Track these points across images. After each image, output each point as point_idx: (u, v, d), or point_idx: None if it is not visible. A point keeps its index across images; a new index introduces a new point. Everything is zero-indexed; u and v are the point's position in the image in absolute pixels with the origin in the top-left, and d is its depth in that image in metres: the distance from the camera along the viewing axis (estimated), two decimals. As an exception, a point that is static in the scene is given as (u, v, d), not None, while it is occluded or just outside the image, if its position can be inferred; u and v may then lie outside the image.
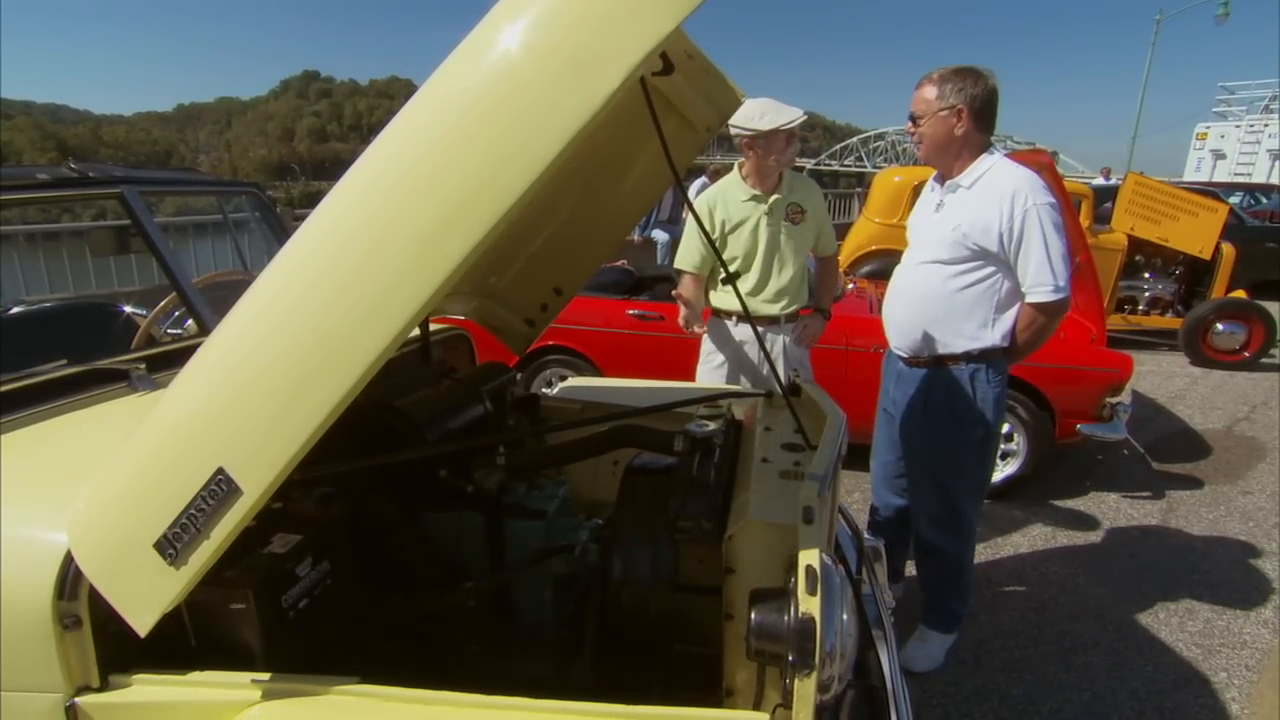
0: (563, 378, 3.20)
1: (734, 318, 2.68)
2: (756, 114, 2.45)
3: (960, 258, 2.08)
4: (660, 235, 8.77)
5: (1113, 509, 3.63)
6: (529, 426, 1.78)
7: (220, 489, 0.83)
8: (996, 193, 2.00)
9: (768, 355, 1.54)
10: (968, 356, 2.14)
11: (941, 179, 2.19)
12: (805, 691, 0.89)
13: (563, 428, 1.64)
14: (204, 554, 0.86)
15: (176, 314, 2.02)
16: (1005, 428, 3.56)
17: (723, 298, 2.70)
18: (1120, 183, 7.99)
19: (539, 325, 2.01)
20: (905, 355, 2.26)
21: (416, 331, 1.84)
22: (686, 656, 1.24)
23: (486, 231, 0.76)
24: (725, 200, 2.62)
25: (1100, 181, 14.43)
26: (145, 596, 0.89)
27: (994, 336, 2.11)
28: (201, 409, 0.89)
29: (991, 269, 2.07)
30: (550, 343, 4.03)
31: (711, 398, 1.56)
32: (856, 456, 2.89)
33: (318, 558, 1.16)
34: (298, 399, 0.82)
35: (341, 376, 0.81)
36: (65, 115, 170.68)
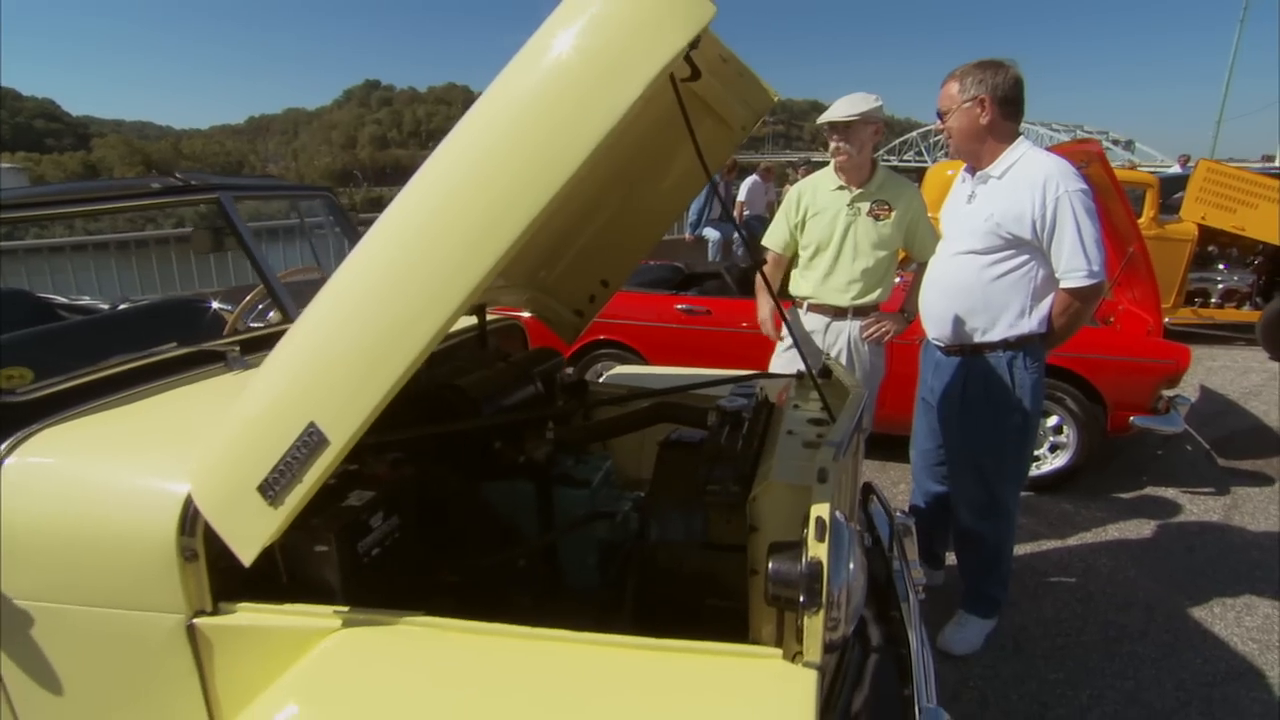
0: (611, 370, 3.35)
1: (805, 304, 2.80)
2: (833, 109, 2.62)
3: (994, 247, 2.12)
4: (711, 233, 8.83)
5: (1170, 504, 3.55)
6: (576, 405, 1.91)
7: (311, 439, 0.98)
8: (1028, 181, 2.03)
9: (796, 339, 1.64)
10: (1005, 344, 2.17)
11: (972, 170, 2.23)
12: (814, 628, 1.00)
13: (607, 403, 1.77)
14: (297, 496, 1.02)
15: (260, 307, 2.24)
16: (1054, 419, 3.54)
17: (797, 284, 2.83)
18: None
19: (587, 315, 2.15)
20: (942, 344, 2.30)
21: (474, 320, 2.01)
22: (716, 611, 1.35)
23: (528, 225, 0.89)
24: (814, 188, 2.77)
25: (1175, 170, 13.79)
26: (250, 532, 1.06)
27: (1031, 324, 2.14)
28: (296, 375, 1.05)
29: (1026, 257, 2.10)
30: (600, 336, 4.18)
31: (744, 378, 1.67)
32: (900, 448, 2.95)
33: (388, 513, 1.32)
34: (374, 365, 0.97)
35: (410, 347, 0.95)
36: (150, 131, 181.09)
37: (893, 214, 2.66)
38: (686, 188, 2.03)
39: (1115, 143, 50.85)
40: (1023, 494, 3.51)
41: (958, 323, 2.22)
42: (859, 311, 2.72)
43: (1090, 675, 2.35)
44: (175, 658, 1.19)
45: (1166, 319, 6.75)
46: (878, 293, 2.72)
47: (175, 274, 6.63)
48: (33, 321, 2.43)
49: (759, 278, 2.88)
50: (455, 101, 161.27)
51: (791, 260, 2.86)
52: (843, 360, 2.68)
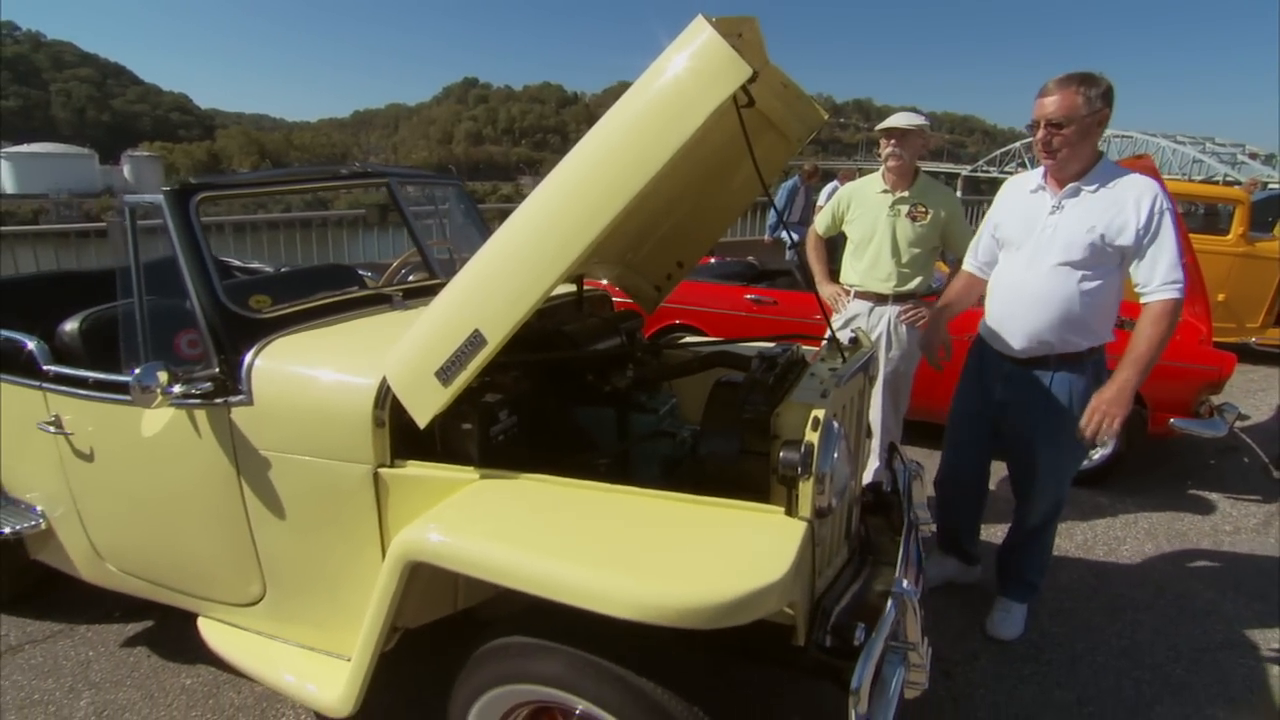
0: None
1: (852, 291, 3.19)
2: (893, 119, 3.06)
3: (1093, 260, 2.15)
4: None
5: (1208, 505, 3.70)
6: (650, 352, 2.39)
7: (475, 340, 1.48)
8: (1132, 195, 2.09)
9: (826, 316, 2.05)
10: (1091, 352, 2.27)
11: (1052, 181, 2.24)
12: (806, 492, 1.42)
13: (674, 348, 2.24)
14: (461, 380, 1.52)
15: (404, 271, 2.81)
16: (1095, 418, 3.75)
17: (846, 273, 3.25)
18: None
19: (664, 290, 2.62)
20: (1024, 356, 2.31)
21: (574, 288, 2.50)
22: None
23: (625, 206, 1.36)
24: (862, 190, 3.21)
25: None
26: (426, 404, 1.57)
27: (1108, 334, 2.29)
28: (467, 296, 1.55)
29: (1113, 268, 2.17)
30: (676, 320, 4.64)
31: (784, 338, 2.09)
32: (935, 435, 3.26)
33: (510, 412, 1.82)
34: (521, 292, 1.46)
35: (542, 282, 1.44)
36: (266, 123, 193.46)
37: (929, 215, 3.01)
38: (750, 189, 2.46)
39: (1253, 156, 47.06)
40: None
41: (1050, 333, 2.24)
42: (899, 298, 3.09)
43: (1090, 631, 2.63)
44: (362, 495, 1.72)
45: (1254, 339, 6.65)
46: (916, 282, 3.08)
47: (314, 250, 7.75)
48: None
49: (813, 262, 3.35)
50: (549, 100, 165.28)
51: (840, 251, 3.27)
52: (883, 341, 3.05)
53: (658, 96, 1.34)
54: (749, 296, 4.53)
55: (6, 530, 2.41)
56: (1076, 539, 3.31)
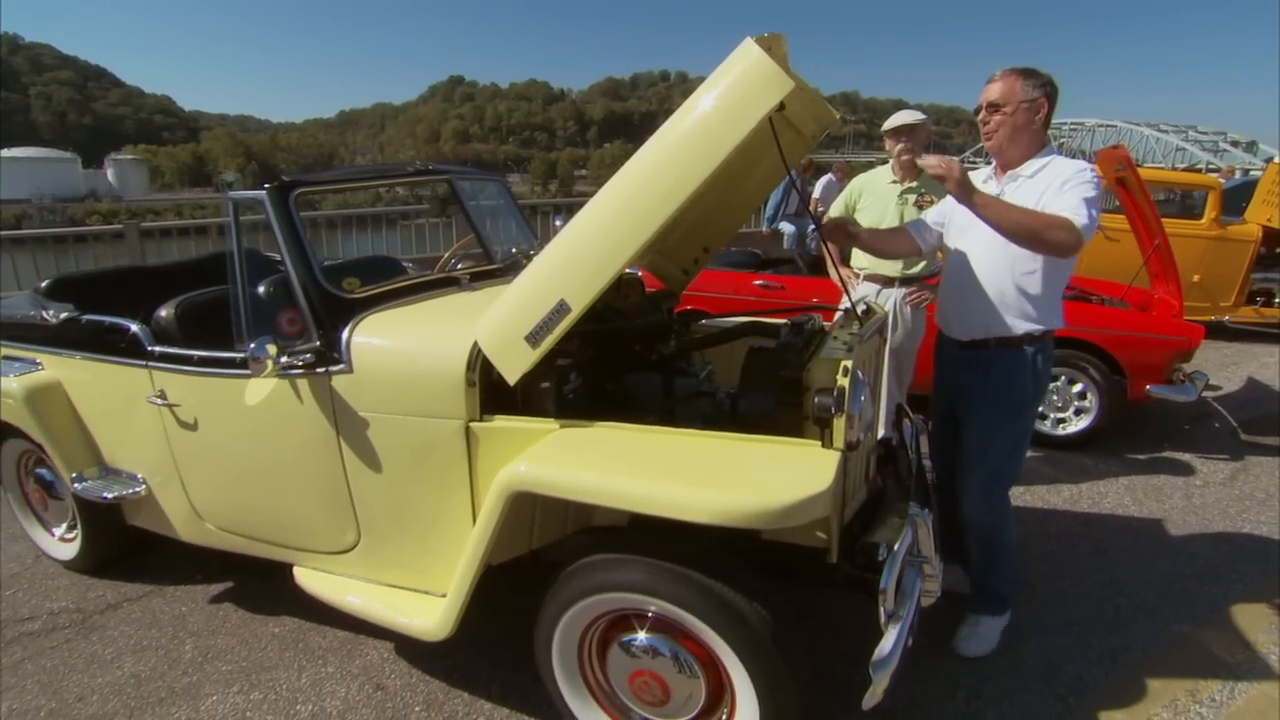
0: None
1: (861, 274, 3.50)
2: (899, 115, 3.37)
3: None
4: (787, 227, 9.46)
5: (1182, 464, 4.04)
6: (688, 326, 2.70)
7: (560, 308, 1.77)
8: (1061, 173, 2.14)
9: (846, 288, 2.35)
10: (1029, 338, 2.25)
11: (1000, 170, 2.32)
12: (839, 427, 1.73)
13: (711, 320, 2.55)
14: (547, 343, 1.81)
15: (453, 260, 3.10)
16: (1079, 386, 4.09)
17: (857, 258, 3.55)
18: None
19: (692, 273, 2.92)
20: (965, 339, 2.35)
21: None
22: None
23: (684, 200, 1.66)
24: (873, 181, 3.52)
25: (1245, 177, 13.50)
26: (516, 364, 1.86)
27: (1052, 319, 2.26)
28: (553, 270, 1.84)
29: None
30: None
31: (808, 310, 2.40)
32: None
33: (577, 375, 2.12)
34: (597, 269, 1.76)
35: (614, 263, 1.74)
36: (250, 124, 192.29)
37: (935, 204, 3.31)
38: (768, 182, 2.77)
39: (1235, 144, 47.76)
40: (1047, 451, 4.10)
41: (987, 316, 2.27)
42: (905, 281, 3.40)
43: (1075, 569, 2.96)
44: (454, 447, 2.02)
45: (1227, 317, 7.02)
46: (921, 266, 3.38)
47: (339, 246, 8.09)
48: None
49: (827, 252, 3.62)
50: (535, 98, 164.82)
51: None
52: (889, 320, 3.37)
53: (716, 104, 1.65)
54: (757, 282, 4.85)
55: (110, 495, 2.69)
56: (1064, 495, 3.64)
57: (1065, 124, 57.19)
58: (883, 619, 1.73)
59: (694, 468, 1.72)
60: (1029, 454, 4.04)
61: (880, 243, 2.71)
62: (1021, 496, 3.59)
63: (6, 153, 73.79)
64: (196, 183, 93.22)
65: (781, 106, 1.90)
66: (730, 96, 1.64)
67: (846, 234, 2.53)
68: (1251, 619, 2.64)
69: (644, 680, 1.83)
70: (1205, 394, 5.22)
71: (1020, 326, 2.24)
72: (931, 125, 3.55)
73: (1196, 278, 6.87)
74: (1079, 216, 2.02)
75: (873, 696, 1.64)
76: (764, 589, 1.75)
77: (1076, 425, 4.14)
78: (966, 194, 2.01)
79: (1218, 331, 6.65)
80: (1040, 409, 4.15)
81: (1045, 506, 3.52)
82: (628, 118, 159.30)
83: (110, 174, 79.79)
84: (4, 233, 7.53)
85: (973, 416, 2.36)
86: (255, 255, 4.07)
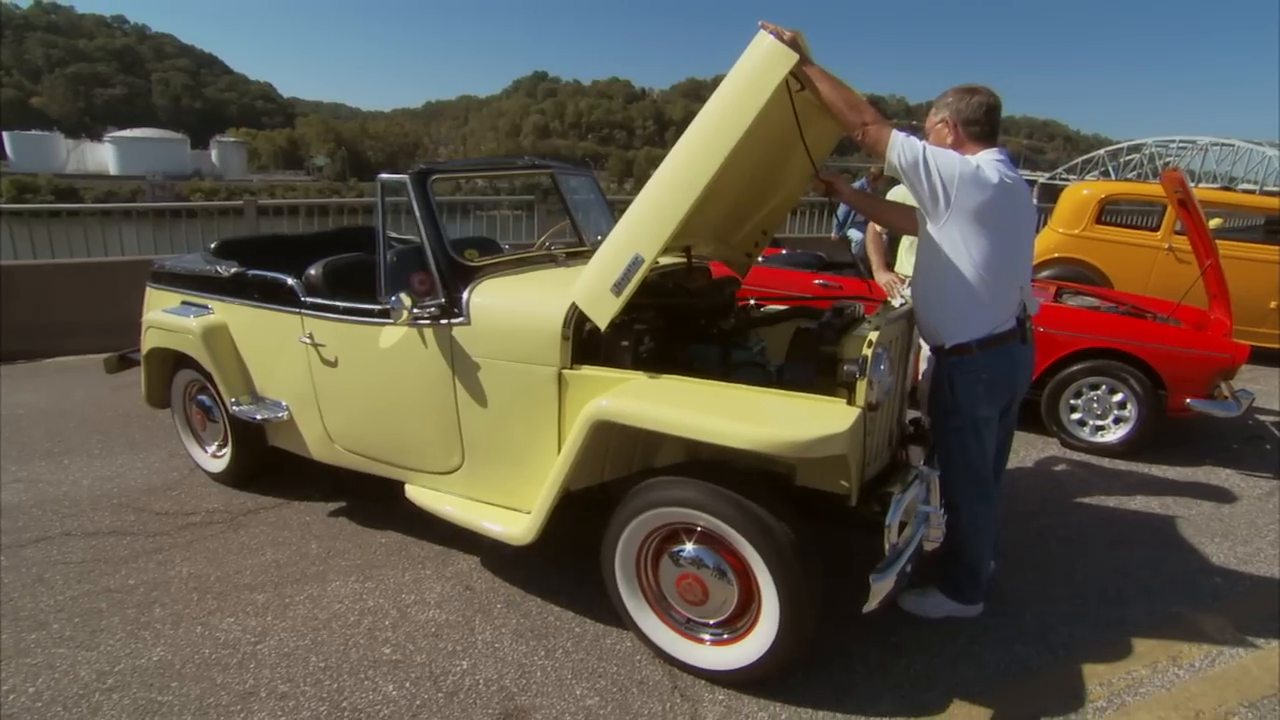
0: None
1: (905, 280, 3.81)
2: None
3: (924, 243, 2.40)
4: (855, 234, 9.69)
5: (1222, 478, 4.17)
6: (746, 306, 3.11)
7: (636, 260, 2.21)
8: None
9: (886, 292, 2.71)
10: (953, 350, 2.38)
11: None
12: (861, 389, 2.11)
13: (767, 301, 2.96)
14: (627, 291, 2.24)
15: (547, 243, 3.59)
16: (1119, 396, 4.28)
17: (901, 264, 3.86)
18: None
19: (753, 257, 3.33)
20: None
21: (684, 259, 3.22)
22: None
23: (721, 164, 2.08)
24: None
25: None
26: (605, 311, 2.30)
27: (973, 330, 2.33)
28: (630, 233, 2.26)
29: (948, 248, 2.27)
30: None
31: (849, 298, 2.77)
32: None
33: (650, 339, 2.56)
34: (658, 229, 2.19)
35: (672, 220, 2.17)
36: (342, 112, 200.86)
37: None
38: (805, 174, 3.14)
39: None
40: (1083, 456, 4.32)
41: (923, 324, 2.52)
42: None
43: (1089, 556, 3.22)
44: (548, 389, 2.49)
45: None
46: None
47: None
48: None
49: (873, 253, 3.95)
50: (616, 96, 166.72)
51: (896, 246, 3.89)
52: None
53: (737, 82, 2.10)
54: (817, 281, 5.19)
55: (259, 417, 3.29)
56: (1093, 494, 3.86)
57: (1174, 142, 53.68)
58: (886, 547, 2.11)
59: (743, 411, 2.14)
60: (1067, 455, 4.30)
61: (876, 208, 3.05)
62: (1050, 492, 3.85)
63: (127, 133, 79.81)
64: (289, 165, 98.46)
65: (801, 86, 2.29)
66: (747, 74, 2.10)
67: (833, 188, 2.74)
68: (1249, 610, 2.86)
69: (688, 582, 2.25)
70: (1263, 418, 5.29)
71: (940, 336, 2.41)
72: (1023, 140, 3.87)
73: (1274, 304, 6.80)
74: (903, 148, 2.17)
75: (874, 599, 2.02)
76: (796, 514, 2.15)
77: (1115, 434, 4.33)
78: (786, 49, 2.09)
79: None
80: (1079, 416, 4.39)
81: (1073, 502, 3.76)
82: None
83: (214, 155, 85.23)
84: (161, 204, 8.54)
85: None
86: (372, 230, 4.69)
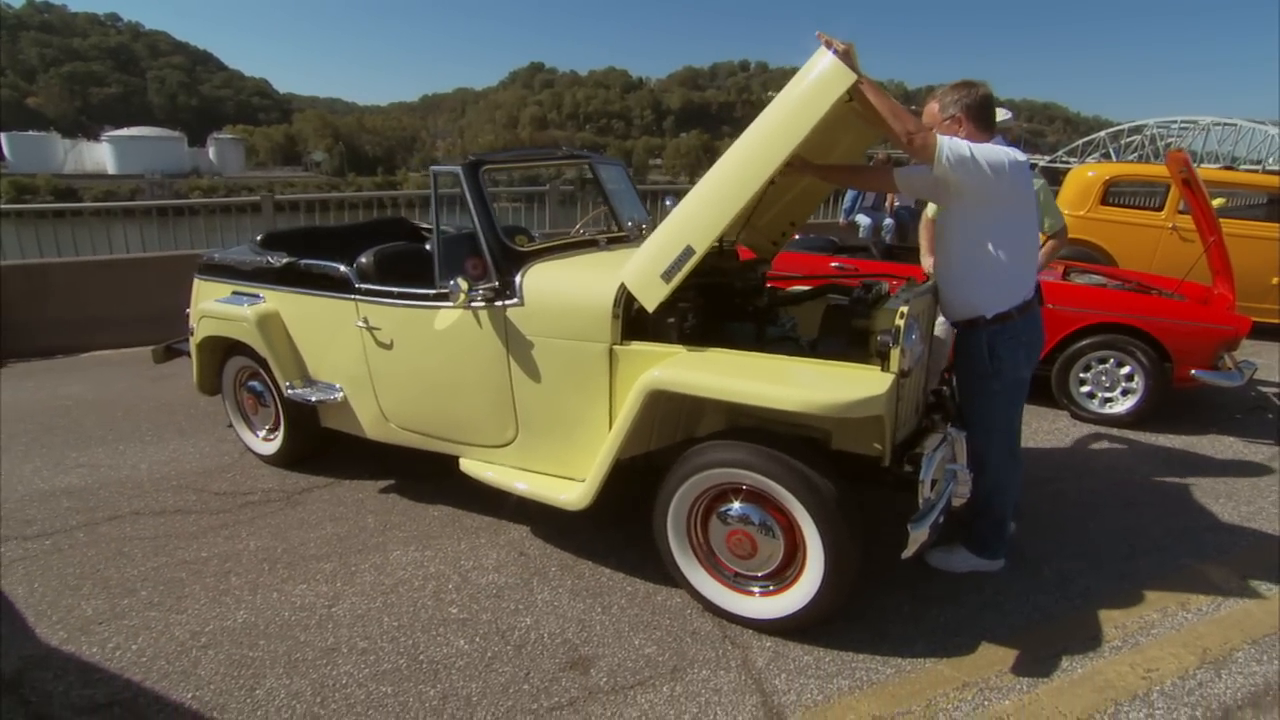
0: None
1: None
2: None
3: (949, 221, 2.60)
4: (863, 220, 9.86)
5: (1225, 446, 4.36)
6: (776, 286, 3.29)
7: (687, 251, 2.40)
8: None
9: (927, 276, 2.89)
10: (973, 324, 2.60)
11: None
12: (894, 357, 2.29)
13: (796, 280, 3.14)
14: (678, 278, 2.44)
15: (581, 230, 3.77)
16: (1126, 369, 4.46)
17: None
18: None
19: (780, 244, 3.51)
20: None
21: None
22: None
23: (777, 167, 2.27)
24: None
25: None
26: (653, 295, 2.49)
27: (989, 304, 2.54)
28: (681, 225, 2.45)
29: (970, 225, 2.50)
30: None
31: (876, 276, 2.96)
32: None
33: (694, 316, 2.74)
34: (710, 224, 2.38)
35: (721, 218, 2.36)
36: (339, 107, 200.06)
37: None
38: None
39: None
40: (1093, 428, 4.50)
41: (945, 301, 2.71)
42: None
43: (1102, 517, 3.41)
44: (599, 364, 2.67)
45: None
46: None
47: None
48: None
49: (923, 239, 4.13)
50: (614, 85, 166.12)
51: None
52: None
53: (798, 95, 2.27)
54: (834, 264, 5.37)
55: (313, 399, 3.48)
56: (1103, 461, 4.06)
57: (1175, 122, 53.32)
58: (920, 501, 2.30)
59: (787, 378, 2.33)
60: (1077, 427, 4.49)
61: (852, 178, 3.42)
62: (1063, 460, 4.04)
63: (124, 132, 79.71)
64: (287, 161, 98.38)
65: (851, 97, 2.47)
66: (808, 86, 2.26)
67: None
68: (1252, 562, 3.06)
69: (738, 538, 2.45)
70: (1264, 389, 5.47)
71: (964, 311, 2.60)
72: (1023, 122, 3.99)
73: (1275, 280, 6.96)
74: (945, 141, 2.31)
75: (912, 545, 2.22)
76: (835, 475, 2.34)
77: (1123, 405, 4.52)
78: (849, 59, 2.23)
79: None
80: (1088, 389, 4.58)
81: (1085, 468, 3.95)
82: (705, 108, 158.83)
83: (211, 152, 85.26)
84: (178, 201, 8.71)
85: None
86: (404, 221, 4.87)
